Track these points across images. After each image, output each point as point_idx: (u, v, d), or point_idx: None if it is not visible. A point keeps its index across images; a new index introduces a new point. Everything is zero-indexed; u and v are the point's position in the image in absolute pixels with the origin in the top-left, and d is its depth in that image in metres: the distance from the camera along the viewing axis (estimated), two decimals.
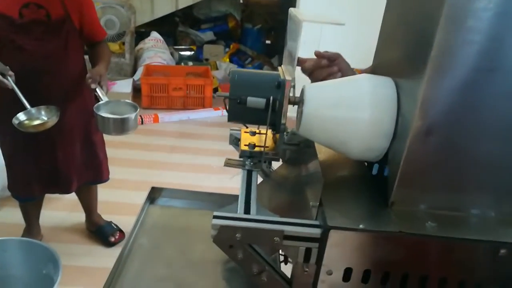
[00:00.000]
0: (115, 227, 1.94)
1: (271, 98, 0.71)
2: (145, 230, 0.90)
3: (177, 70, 3.76)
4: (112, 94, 3.15)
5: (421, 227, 0.61)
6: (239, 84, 0.74)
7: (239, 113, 0.75)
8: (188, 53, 4.23)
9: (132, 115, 1.38)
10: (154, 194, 1.00)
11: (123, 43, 3.71)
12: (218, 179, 2.59)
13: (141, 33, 4.19)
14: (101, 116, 1.36)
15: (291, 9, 0.80)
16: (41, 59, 1.41)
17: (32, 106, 1.34)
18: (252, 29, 4.75)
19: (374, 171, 0.71)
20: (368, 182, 0.73)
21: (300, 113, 0.70)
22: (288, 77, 0.72)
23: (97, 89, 1.40)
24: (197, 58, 4.22)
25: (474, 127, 0.60)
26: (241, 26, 4.81)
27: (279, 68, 0.82)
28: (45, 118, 1.38)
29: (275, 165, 0.94)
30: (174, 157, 2.77)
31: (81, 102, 1.57)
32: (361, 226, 0.60)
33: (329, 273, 0.62)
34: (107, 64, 1.54)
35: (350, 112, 0.66)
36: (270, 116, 0.73)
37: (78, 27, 1.47)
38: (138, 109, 1.43)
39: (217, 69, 3.98)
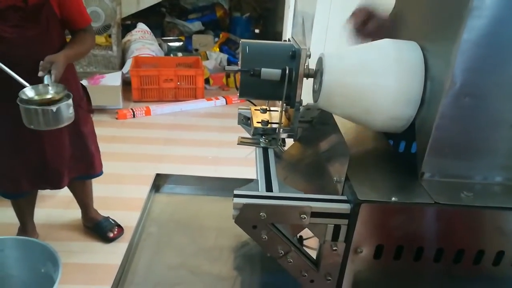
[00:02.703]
0: (113, 222, 1.88)
1: (287, 68, 0.66)
2: (153, 218, 0.85)
3: (167, 61, 3.67)
4: (101, 87, 3.07)
5: (456, 197, 0.57)
6: (251, 56, 0.69)
7: (252, 87, 0.70)
8: (177, 44, 4.14)
9: (62, 105, 1.19)
10: (159, 181, 0.94)
11: (110, 36, 3.61)
12: (214, 169, 2.54)
13: (127, 25, 4.09)
14: (24, 107, 1.16)
15: None
16: (22, 47, 1.31)
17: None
18: (241, 17, 4.66)
19: (401, 148, 0.67)
20: (395, 157, 0.69)
21: (319, 84, 0.66)
22: (303, 46, 0.67)
23: (45, 78, 1.25)
24: (186, 49, 4.13)
25: (506, 91, 0.56)
26: (230, 15, 4.72)
27: (291, 38, 0.77)
28: (55, 94, 1.22)
29: (288, 145, 0.89)
30: (168, 149, 2.71)
31: None
32: (393, 199, 0.56)
33: (360, 251, 0.58)
34: (74, 53, 1.41)
35: (375, 78, 0.62)
36: (289, 86, 0.68)
37: (59, 13, 1.38)
38: (71, 97, 1.25)
39: (207, 59, 3.90)
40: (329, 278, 0.61)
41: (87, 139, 1.61)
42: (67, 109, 1.21)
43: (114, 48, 3.53)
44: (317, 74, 0.68)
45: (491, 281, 0.61)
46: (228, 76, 3.80)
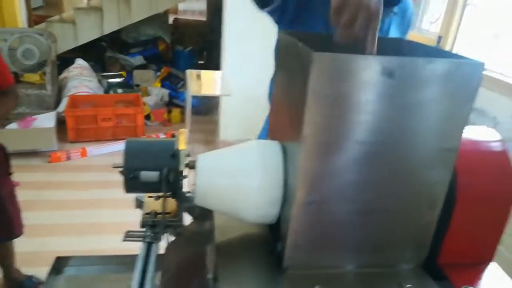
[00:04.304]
0: (36, 281, 1.81)
1: (165, 170, 0.71)
2: None
3: (105, 99, 3.62)
4: (33, 130, 2.97)
5: None
6: (132, 157, 0.73)
7: (136, 185, 0.74)
8: (117, 79, 4.10)
9: None
10: (60, 264, 0.94)
11: (44, 73, 3.52)
12: None
13: (65, 60, 4.01)
14: None
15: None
16: None
17: None
18: (183, 51, 4.73)
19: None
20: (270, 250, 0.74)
21: (194, 183, 0.71)
22: (182, 147, 0.73)
23: None
24: (127, 85, 4.11)
25: (350, 193, 0.64)
26: (172, 49, 4.77)
27: (180, 131, 0.82)
28: None
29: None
30: (105, 193, 2.65)
31: None
32: None
33: None
34: None
35: (240, 181, 0.68)
36: (168, 185, 0.73)
37: None
38: None
39: (148, 95, 3.90)
40: None
41: (5, 202, 1.55)
42: None
43: (49, 87, 3.44)
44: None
45: None
46: (169, 111, 3.82)
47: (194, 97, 3.59)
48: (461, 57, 0.64)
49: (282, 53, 0.74)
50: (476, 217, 0.72)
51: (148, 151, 0.75)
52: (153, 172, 0.71)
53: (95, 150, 3.10)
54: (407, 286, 0.65)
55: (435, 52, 0.71)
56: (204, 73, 3.25)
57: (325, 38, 0.79)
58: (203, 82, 2.99)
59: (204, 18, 5.87)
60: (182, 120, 3.75)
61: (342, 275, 0.67)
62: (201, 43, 4.97)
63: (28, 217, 2.32)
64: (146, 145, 0.76)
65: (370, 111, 0.59)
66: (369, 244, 0.67)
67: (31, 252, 1.99)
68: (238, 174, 0.68)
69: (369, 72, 0.57)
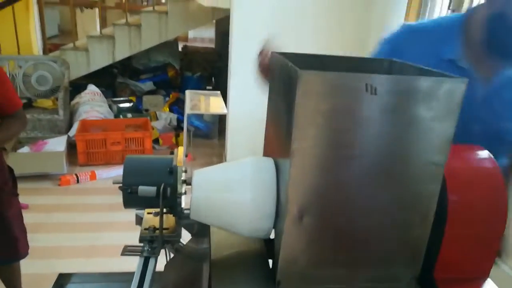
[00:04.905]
0: None
1: (162, 185, 0.74)
2: None
3: (115, 124, 3.71)
4: (44, 154, 3.04)
5: None
6: (131, 172, 0.76)
7: (134, 200, 0.76)
8: (127, 104, 4.21)
9: None
10: (63, 281, 0.96)
11: (57, 99, 3.63)
12: None
13: (78, 86, 4.14)
14: None
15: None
16: None
17: None
18: (192, 76, 4.84)
19: None
20: (264, 264, 0.75)
21: (190, 199, 0.73)
22: (180, 163, 0.76)
23: None
24: (137, 109, 4.20)
25: (341, 207, 0.65)
26: (181, 75, 4.89)
27: (178, 149, 0.86)
28: None
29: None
30: (113, 216, 2.68)
31: None
32: None
33: None
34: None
35: (234, 195, 0.70)
36: (166, 200, 0.75)
37: None
38: None
39: (157, 119, 3.98)
40: None
41: (10, 223, 1.59)
42: None
43: (61, 112, 3.54)
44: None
45: None
46: (177, 135, 3.88)
47: (200, 119, 3.64)
48: (444, 75, 0.66)
49: (274, 73, 0.78)
50: (468, 233, 0.72)
51: (146, 167, 0.78)
52: (151, 187, 0.73)
53: (104, 173, 3.15)
54: None
55: (422, 71, 0.73)
56: (203, 93, 3.33)
57: (315, 59, 0.83)
58: (201, 103, 3.05)
59: (212, 45, 6.04)
60: (190, 144, 3.81)
61: None
62: (209, 69, 5.09)
63: (35, 239, 2.36)
64: (145, 162, 0.79)
65: (356, 126, 0.61)
66: (363, 258, 0.68)
67: (37, 274, 2.00)
68: (232, 188, 0.70)
69: (352, 89, 0.59)
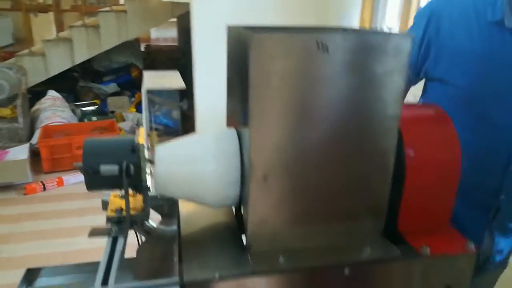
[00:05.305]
0: None
1: (125, 163, 0.73)
2: None
3: (80, 128, 3.61)
4: (6, 163, 2.92)
5: (272, 264, 0.65)
6: (91, 153, 0.74)
7: (97, 181, 0.75)
8: (91, 108, 4.09)
9: None
10: (31, 276, 0.93)
11: (15, 107, 3.49)
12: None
13: (37, 92, 3.98)
14: None
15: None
16: None
17: None
18: None
19: None
20: (235, 232, 0.76)
21: (153, 174, 0.73)
22: (142, 141, 0.75)
23: None
24: (102, 112, 4.10)
25: (303, 166, 0.67)
26: None
27: (140, 129, 0.85)
28: None
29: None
30: (85, 220, 2.61)
31: None
32: (217, 275, 0.62)
33: None
34: None
35: (198, 166, 0.70)
36: (131, 179, 0.74)
37: None
38: None
39: (124, 120, 3.90)
40: None
41: None
42: None
43: (20, 119, 3.41)
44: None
45: None
46: (148, 135, 3.81)
47: (168, 117, 3.59)
48: (392, 33, 0.69)
49: (230, 45, 0.78)
50: (426, 185, 0.76)
51: (107, 147, 0.76)
52: (113, 165, 0.72)
53: (72, 178, 3.06)
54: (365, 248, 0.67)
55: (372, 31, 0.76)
56: (161, 73, 3.28)
57: (272, 29, 0.84)
58: (159, 79, 3.00)
59: (176, 43, 5.96)
60: (160, 141, 3.75)
61: (305, 247, 0.69)
62: (173, 67, 5.03)
63: (4, 250, 2.28)
64: (105, 142, 0.78)
65: (312, 85, 0.63)
66: (329, 214, 0.70)
67: (9, 285, 1.92)
68: (195, 159, 0.70)
69: (304, 48, 0.61)
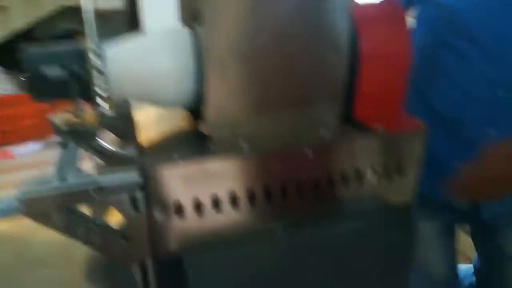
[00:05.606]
0: None
1: (73, 66, 0.69)
2: None
3: (26, 98, 3.37)
4: None
5: (234, 149, 0.65)
6: (34, 58, 0.70)
7: (43, 88, 0.71)
8: None
9: None
10: None
11: None
12: None
13: None
14: None
15: None
16: None
17: None
18: None
19: None
20: (201, 136, 0.75)
21: (107, 75, 0.69)
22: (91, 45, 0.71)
23: None
24: None
25: (260, 49, 0.66)
26: None
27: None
28: None
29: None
30: None
31: None
32: (175, 155, 0.62)
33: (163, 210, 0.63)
34: None
35: (152, 62, 0.67)
36: (80, 87, 0.71)
37: None
38: None
39: None
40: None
41: None
42: None
43: None
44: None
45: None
46: None
47: None
48: None
49: None
50: (380, 74, 0.78)
51: (52, 51, 0.72)
52: (59, 68, 0.68)
53: (22, 149, 2.90)
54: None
55: None
56: None
57: None
58: None
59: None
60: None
61: (265, 133, 0.70)
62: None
63: None
64: (49, 47, 0.73)
65: None
66: (286, 99, 0.70)
67: None
68: (149, 55, 0.68)
69: None
